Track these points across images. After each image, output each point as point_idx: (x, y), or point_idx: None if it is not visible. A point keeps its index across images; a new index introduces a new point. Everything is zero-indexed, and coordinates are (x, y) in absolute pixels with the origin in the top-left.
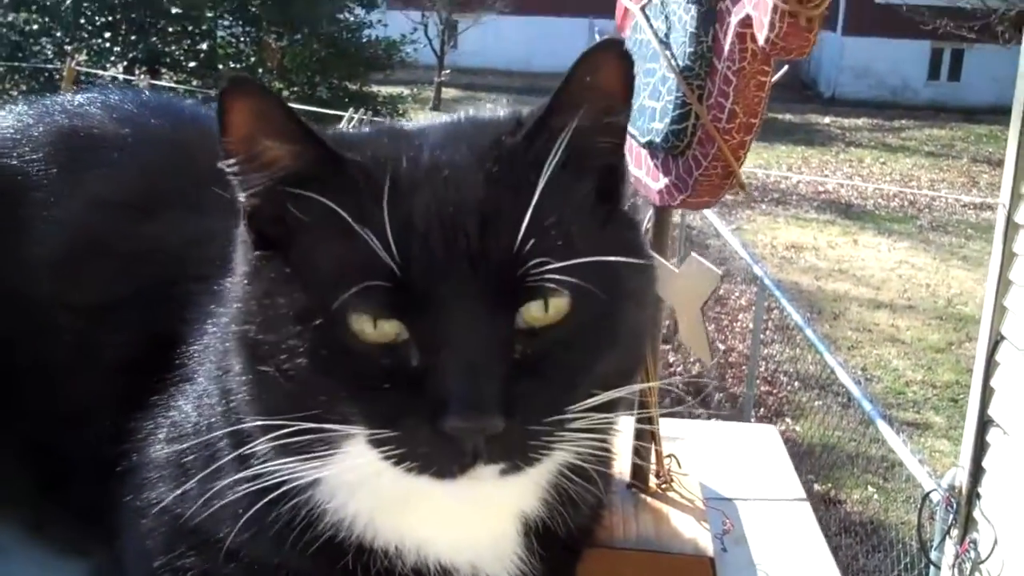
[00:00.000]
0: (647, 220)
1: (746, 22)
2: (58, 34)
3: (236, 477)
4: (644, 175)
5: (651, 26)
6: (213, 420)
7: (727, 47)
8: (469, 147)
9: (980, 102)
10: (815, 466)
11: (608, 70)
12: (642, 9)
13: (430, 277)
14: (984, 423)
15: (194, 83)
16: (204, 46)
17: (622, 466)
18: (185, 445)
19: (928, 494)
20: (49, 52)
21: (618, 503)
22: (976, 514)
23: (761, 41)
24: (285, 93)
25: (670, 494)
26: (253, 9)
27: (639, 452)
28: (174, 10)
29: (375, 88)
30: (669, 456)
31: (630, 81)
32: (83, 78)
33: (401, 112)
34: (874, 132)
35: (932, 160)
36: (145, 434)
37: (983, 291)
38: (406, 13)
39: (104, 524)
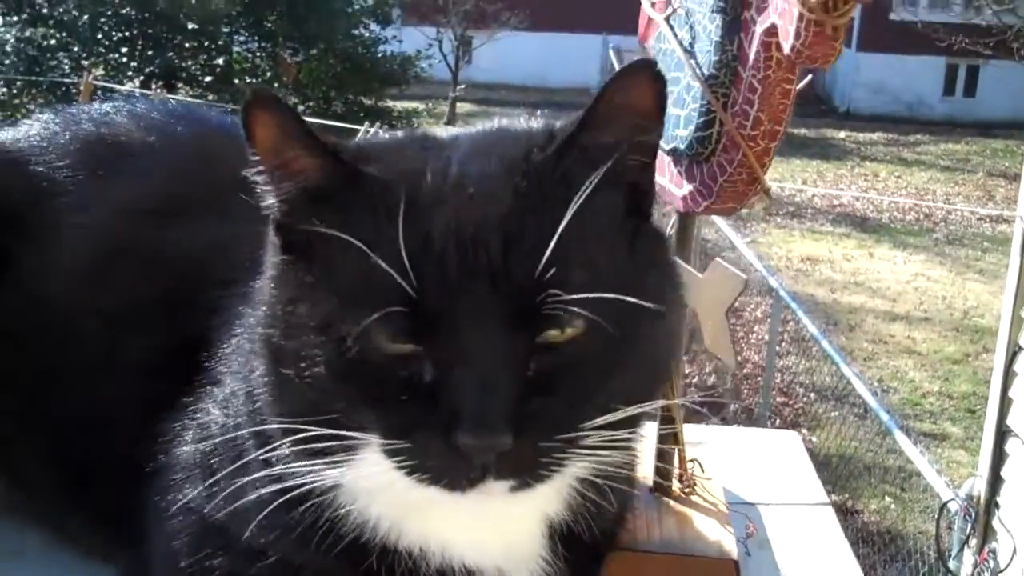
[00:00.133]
0: (671, 227)
1: (771, 31)
2: (75, 49)
3: (259, 475)
4: (668, 182)
5: (675, 35)
6: (240, 420)
7: (752, 56)
8: (499, 161)
9: (996, 117)
10: (832, 476)
11: (641, 90)
12: (667, 19)
13: (446, 299)
14: (1002, 433)
15: (210, 97)
16: (220, 61)
17: (645, 470)
18: (212, 446)
19: (946, 504)
20: (66, 67)
21: (641, 507)
22: (995, 523)
23: (787, 50)
24: (301, 108)
25: (693, 498)
26: (269, 24)
27: (662, 456)
28: (190, 25)
29: (390, 103)
30: (692, 460)
31: (662, 101)
32: (100, 92)
33: (416, 127)
34: (889, 147)
35: (948, 174)
36: (172, 436)
37: (999, 303)
38: (421, 29)
39: (129, 527)
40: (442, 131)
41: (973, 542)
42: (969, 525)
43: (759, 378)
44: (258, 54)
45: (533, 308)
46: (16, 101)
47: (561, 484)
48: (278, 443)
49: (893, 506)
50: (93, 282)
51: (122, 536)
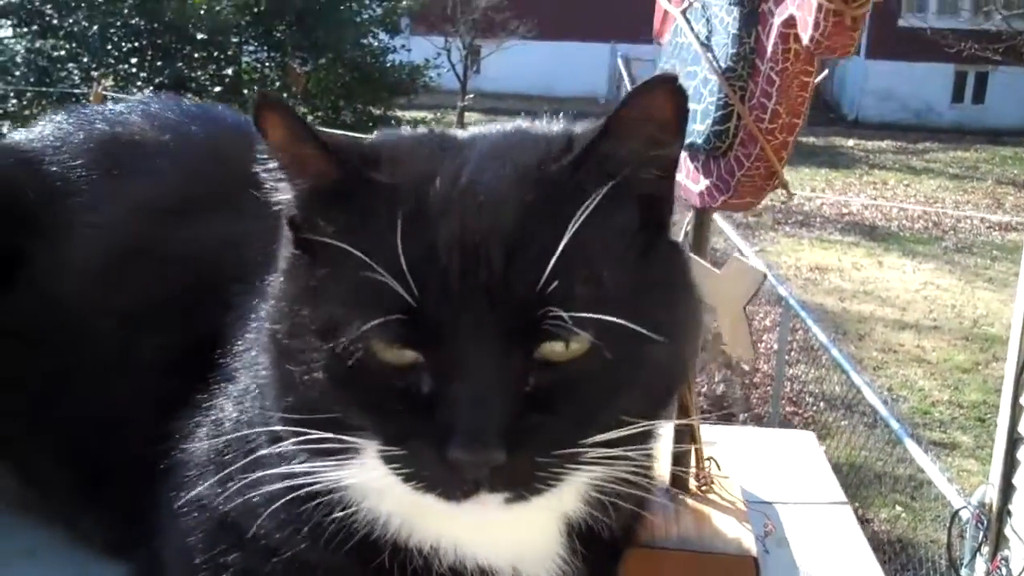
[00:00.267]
0: (687, 223)
1: (789, 22)
2: (85, 60)
3: (270, 473)
4: (684, 178)
5: (692, 29)
6: (253, 416)
7: (770, 48)
8: (513, 168)
9: (1005, 124)
10: (842, 485)
11: (661, 103)
12: (683, 12)
13: (445, 310)
14: (1014, 441)
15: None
16: (229, 71)
17: (662, 468)
18: (226, 442)
19: (958, 511)
20: (76, 77)
21: (658, 505)
22: (1007, 531)
23: (806, 40)
24: (310, 118)
25: (710, 496)
26: (278, 35)
27: (679, 455)
28: (200, 35)
29: (399, 112)
30: (708, 459)
31: (682, 115)
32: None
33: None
34: (898, 154)
35: (956, 182)
36: (187, 433)
37: (1009, 311)
38: (429, 38)
39: (143, 524)
40: (461, 132)
41: (985, 550)
42: (981, 533)
43: (768, 387)
44: (267, 64)
45: (533, 323)
46: (27, 112)
47: (576, 485)
48: (284, 441)
49: (904, 515)
50: (107, 281)
51: (136, 534)
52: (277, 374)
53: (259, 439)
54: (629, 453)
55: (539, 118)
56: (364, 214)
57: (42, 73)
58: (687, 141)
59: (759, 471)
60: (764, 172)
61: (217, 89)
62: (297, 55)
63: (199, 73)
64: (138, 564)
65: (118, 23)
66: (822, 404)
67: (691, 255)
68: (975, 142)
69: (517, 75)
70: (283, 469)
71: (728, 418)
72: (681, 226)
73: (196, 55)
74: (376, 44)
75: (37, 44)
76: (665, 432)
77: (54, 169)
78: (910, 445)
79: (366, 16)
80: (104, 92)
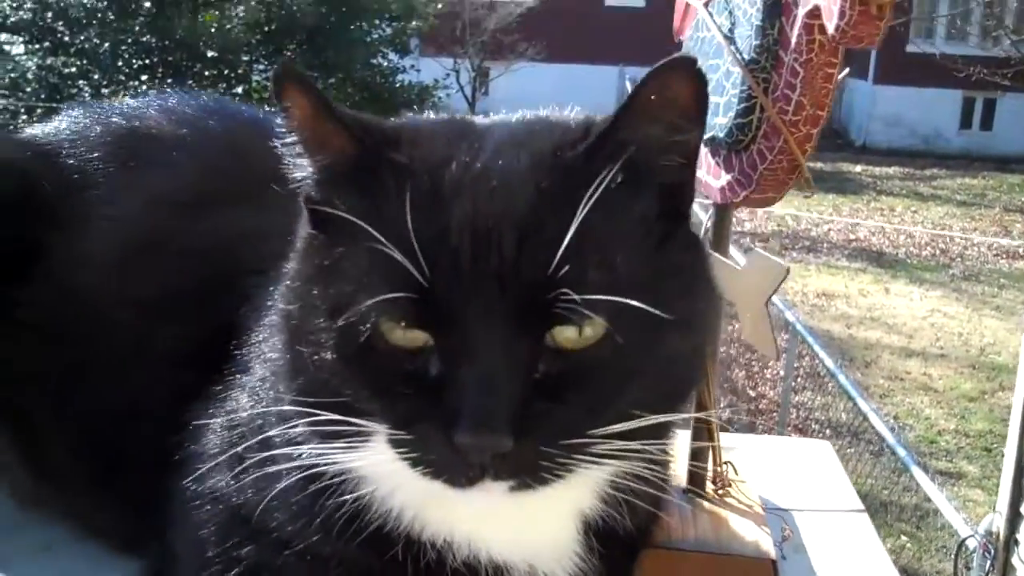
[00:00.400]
0: (708, 219)
1: (814, 13)
2: (96, 77)
3: (284, 465)
4: (705, 173)
5: (715, 21)
6: (267, 406)
7: (794, 39)
8: (528, 155)
9: (1013, 151)
10: None
11: (680, 87)
12: (705, 5)
13: (456, 292)
14: (1021, 468)
15: None
16: (239, 90)
17: (678, 470)
18: (240, 434)
19: (964, 540)
20: (87, 94)
21: (675, 506)
22: (1015, 561)
23: (831, 30)
24: None
25: (727, 499)
26: (288, 53)
27: (696, 457)
28: (210, 53)
29: None
30: (726, 463)
31: (703, 100)
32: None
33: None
34: (906, 181)
35: (964, 209)
36: (201, 424)
37: (1016, 340)
38: (439, 59)
39: (157, 517)
40: (481, 120)
41: None
42: (988, 562)
43: (774, 414)
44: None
45: (544, 306)
46: None
47: (592, 480)
48: (295, 423)
49: (909, 545)
50: (124, 272)
51: (150, 527)
52: (289, 356)
53: (273, 427)
54: (642, 447)
55: (559, 107)
56: (380, 194)
57: (53, 90)
58: (708, 135)
59: (776, 478)
60: (787, 166)
61: None
62: (307, 74)
63: (209, 90)
64: (151, 558)
65: (129, 40)
66: (828, 431)
67: (711, 251)
68: (983, 169)
69: (525, 97)
70: (294, 452)
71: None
72: (701, 223)
73: (207, 73)
74: (386, 64)
75: (48, 61)
76: (682, 432)
77: (71, 162)
78: (917, 473)
79: (376, 36)
80: None
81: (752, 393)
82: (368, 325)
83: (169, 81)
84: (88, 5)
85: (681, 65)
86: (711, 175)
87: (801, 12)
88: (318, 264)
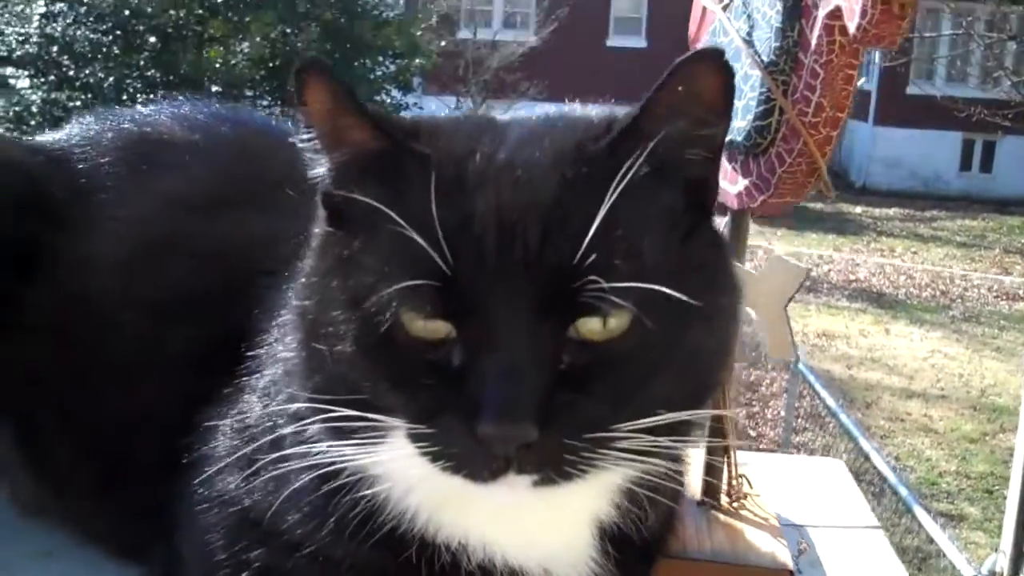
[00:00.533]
0: (723, 227)
1: (835, 14)
2: (100, 111)
3: (295, 465)
4: (721, 179)
5: (733, 25)
6: (280, 407)
7: (814, 41)
8: (552, 147)
9: (1012, 194)
10: None
11: (705, 80)
12: (723, 8)
13: (480, 280)
14: None
15: None
16: None
17: (692, 483)
18: (251, 436)
19: None
20: None
21: (689, 518)
22: None
23: (852, 29)
24: None
25: (743, 512)
26: (292, 89)
27: (711, 469)
28: (215, 88)
29: None
30: (740, 476)
31: (729, 93)
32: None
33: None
34: (906, 222)
35: (964, 250)
36: (210, 427)
37: (1017, 381)
38: (441, 98)
39: (164, 522)
40: (501, 116)
41: None
42: None
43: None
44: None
45: (568, 296)
46: None
47: (608, 483)
48: (309, 421)
49: None
50: (134, 275)
51: (154, 532)
52: (305, 354)
53: (285, 427)
54: (667, 444)
55: (580, 104)
56: (402, 185)
57: (57, 123)
58: (727, 139)
59: (789, 495)
60: (806, 169)
61: None
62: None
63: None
64: (154, 565)
65: (134, 75)
66: None
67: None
68: (983, 211)
69: None
70: (306, 451)
71: None
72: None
73: None
74: (389, 101)
75: (53, 95)
76: (700, 440)
77: (81, 166)
78: (919, 513)
79: (379, 73)
80: None
81: (753, 433)
82: (389, 314)
83: None
84: (93, 39)
85: (708, 57)
86: (728, 181)
87: (821, 13)
88: (336, 257)
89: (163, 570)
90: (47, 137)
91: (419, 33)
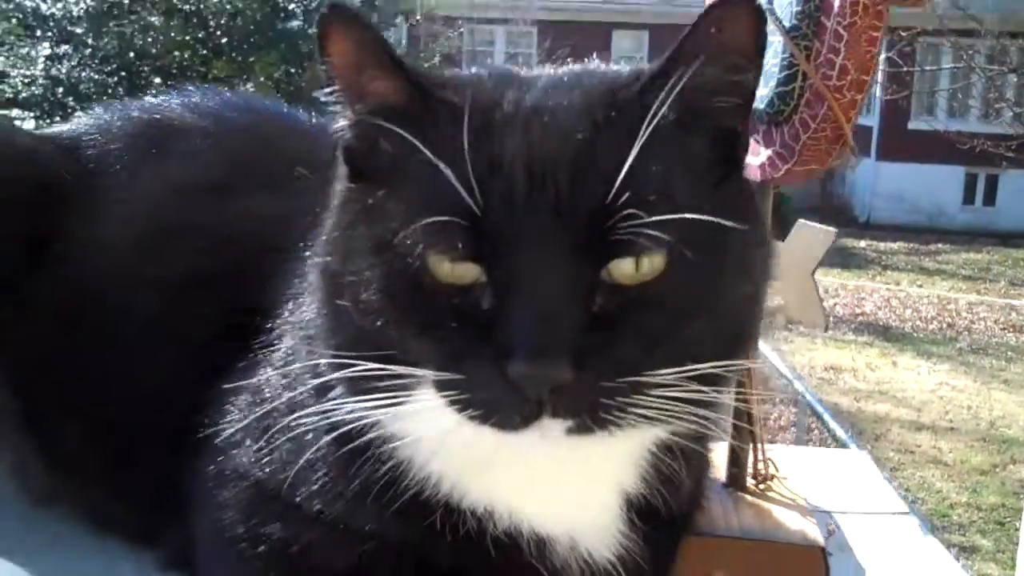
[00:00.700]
0: None
1: None
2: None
3: (315, 427)
4: None
5: None
6: (298, 375)
7: (837, 3)
8: (581, 93)
9: (1016, 227)
10: None
11: (737, 24)
12: None
13: (510, 220)
14: None
15: None
16: None
17: (718, 467)
18: (268, 407)
19: None
20: None
21: (716, 499)
22: None
23: None
24: None
25: (770, 494)
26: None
27: (736, 452)
28: None
29: None
30: (767, 460)
31: (761, 38)
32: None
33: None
34: (910, 256)
35: (969, 283)
36: (225, 401)
37: None
38: None
39: (177, 503)
40: (525, 71)
41: None
42: None
43: None
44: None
45: (601, 236)
46: None
47: (638, 444)
48: (332, 389)
49: None
50: (145, 255)
51: (167, 515)
52: (327, 311)
53: (304, 394)
54: (698, 394)
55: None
56: (430, 134)
57: None
58: None
59: (815, 484)
60: (831, 135)
61: None
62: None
63: None
64: (169, 544)
65: None
66: None
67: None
68: (986, 244)
69: None
70: (326, 410)
71: None
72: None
73: None
74: None
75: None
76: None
77: (90, 152)
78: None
79: None
80: None
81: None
82: (416, 256)
83: None
84: (98, 81)
85: (741, 1)
86: (750, 153)
87: None
88: (360, 208)
89: (176, 552)
90: (56, 128)
91: None
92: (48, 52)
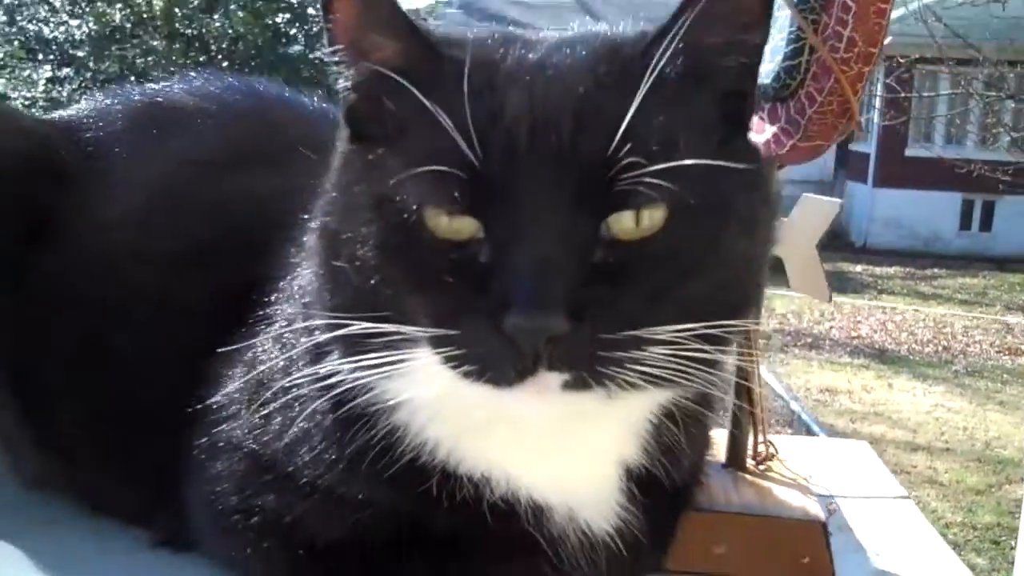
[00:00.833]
0: None
1: None
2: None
3: (301, 376)
4: None
5: None
6: (292, 339)
7: None
8: (584, 50)
9: (1012, 252)
10: None
11: None
12: None
13: (509, 172)
14: None
15: None
16: None
17: (717, 444)
18: (262, 376)
19: None
20: None
21: (716, 477)
22: None
23: None
24: None
25: (769, 474)
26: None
27: (736, 433)
28: None
29: None
30: (767, 442)
31: None
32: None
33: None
34: (906, 280)
35: (965, 307)
36: (221, 373)
37: (1021, 434)
38: None
39: (172, 482)
40: (530, 32)
41: None
42: None
43: None
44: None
45: (602, 187)
46: None
47: (637, 409)
48: (326, 336)
49: None
50: (144, 231)
51: (161, 494)
52: (324, 273)
53: (299, 358)
54: (700, 354)
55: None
56: (433, 88)
57: None
58: None
59: (815, 470)
60: (837, 108)
61: None
62: None
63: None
64: (162, 522)
65: None
66: None
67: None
68: (983, 269)
69: None
70: (322, 373)
71: None
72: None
73: None
74: None
75: None
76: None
77: (89, 134)
78: None
79: None
80: None
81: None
82: (413, 210)
83: None
84: None
85: None
86: (754, 131)
87: None
88: (360, 166)
89: (171, 530)
90: (58, 113)
91: None
92: (49, 75)
